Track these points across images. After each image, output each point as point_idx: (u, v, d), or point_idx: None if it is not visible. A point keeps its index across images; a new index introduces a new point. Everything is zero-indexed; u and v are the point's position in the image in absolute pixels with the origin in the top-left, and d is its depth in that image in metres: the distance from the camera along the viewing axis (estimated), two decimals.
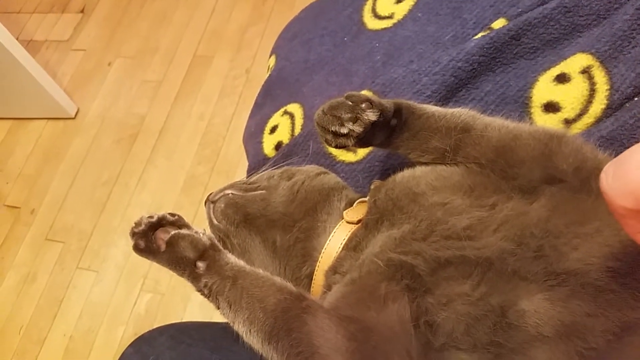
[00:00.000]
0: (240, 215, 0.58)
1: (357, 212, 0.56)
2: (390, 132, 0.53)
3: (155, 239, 0.53)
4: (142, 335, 0.67)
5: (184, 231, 0.53)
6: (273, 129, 0.78)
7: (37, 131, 2.15)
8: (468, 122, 0.51)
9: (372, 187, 0.57)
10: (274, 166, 0.74)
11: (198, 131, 1.95)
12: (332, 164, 0.69)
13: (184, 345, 0.61)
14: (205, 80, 2.07)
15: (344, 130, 0.50)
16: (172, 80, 2.11)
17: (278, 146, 0.76)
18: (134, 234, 0.54)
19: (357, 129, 0.49)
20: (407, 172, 0.54)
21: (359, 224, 0.55)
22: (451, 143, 0.50)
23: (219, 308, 0.52)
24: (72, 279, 1.77)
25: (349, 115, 0.50)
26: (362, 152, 0.68)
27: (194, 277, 0.52)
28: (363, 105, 0.50)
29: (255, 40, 2.08)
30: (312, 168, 0.63)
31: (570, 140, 0.47)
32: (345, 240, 0.55)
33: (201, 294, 0.52)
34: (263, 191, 0.60)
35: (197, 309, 1.58)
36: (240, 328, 0.50)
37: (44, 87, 1.97)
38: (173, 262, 0.52)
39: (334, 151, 0.69)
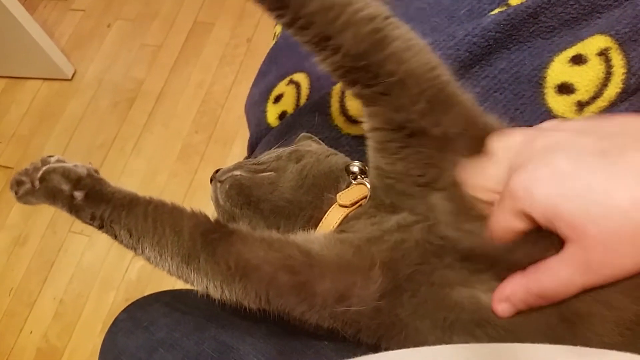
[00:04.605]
0: (244, 197, 0.57)
1: (351, 194, 0.55)
2: None
3: (31, 179, 0.53)
4: (136, 301, 0.66)
5: (55, 164, 0.53)
6: (277, 98, 0.76)
7: (33, 91, 2.12)
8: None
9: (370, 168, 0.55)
10: (277, 137, 0.73)
11: (196, 99, 1.93)
12: (337, 137, 0.68)
13: (179, 313, 0.60)
14: (205, 48, 2.04)
15: None
16: (171, 45, 2.08)
17: (282, 116, 0.74)
18: (16, 193, 0.54)
19: None
20: None
21: (353, 207, 0.54)
22: None
23: (116, 237, 0.52)
24: (64, 242, 1.77)
25: None
26: None
27: (75, 210, 0.51)
28: None
29: (258, 9, 2.05)
30: (321, 149, 0.62)
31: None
32: (337, 223, 0.53)
33: (93, 226, 0.52)
34: (271, 173, 0.58)
35: None
36: (146, 254, 0.50)
37: (41, 46, 1.94)
38: (50, 197, 0.52)
39: (339, 124, 0.68)
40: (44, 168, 0.53)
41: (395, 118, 0.47)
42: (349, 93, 0.52)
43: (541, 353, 0.34)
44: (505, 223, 0.41)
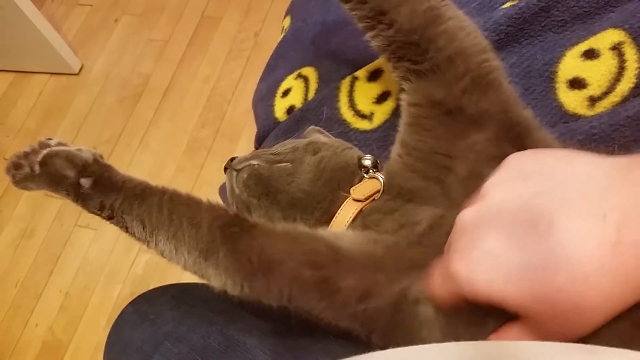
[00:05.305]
0: (262, 187, 0.55)
1: (364, 188, 0.54)
2: None
3: (30, 163, 0.50)
4: (143, 294, 0.65)
5: (57, 148, 0.50)
6: (285, 92, 0.76)
7: (40, 85, 2.12)
8: None
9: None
10: (286, 131, 0.73)
11: (203, 94, 1.92)
12: (345, 132, 0.67)
13: (186, 306, 0.60)
14: (212, 42, 2.03)
15: None
16: (178, 40, 2.08)
17: (290, 110, 0.74)
18: (13, 177, 0.50)
19: None
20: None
21: (367, 201, 0.54)
22: None
23: (127, 229, 0.49)
24: (70, 236, 1.77)
25: None
26: (377, 121, 0.66)
27: (82, 198, 0.49)
28: None
29: (265, 3, 2.04)
30: (337, 143, 0.61)
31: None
32: (351, 218, 0.53)
33: (99, 216, 0.49)
34: (288, 164, 0.57)
35: None
36: (160, 247, 0.48)
37: (48, 41, 1.94)
38: (52, 183, 0.49)
39: (348, 118, 0.67)
40: (44, 151, 0.50)
41: (436, 95, 0.48)
42: (396, 73, 0.52)
43: (550, 351, 0.33)
44: (449, 300, 0.40)
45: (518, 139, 0.47)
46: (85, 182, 0.48)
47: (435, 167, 0.48)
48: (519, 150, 0.46)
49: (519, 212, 0.36)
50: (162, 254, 0.49)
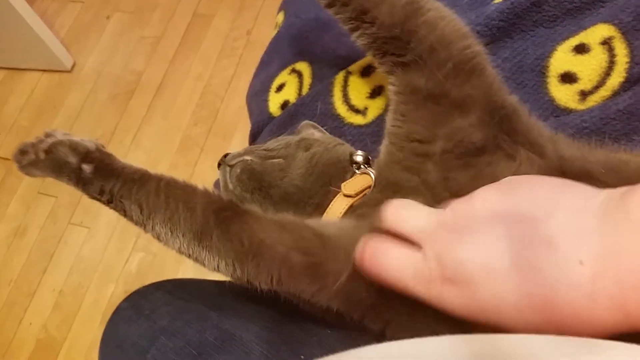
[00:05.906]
0: (255, 182, 0.57)
1: (355, 184, 0.55)
2: None
3: (35, 150, 0.52)
4: (138, 289, 0.66)
5: (62, 137, 0.53)
6: (279, 87, 0.76)
7: (32, 83, 2.11)
8: None
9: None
10: (280, 126, 0.73)
11: (195, 91, 1.92)
12: (339, 126, 0.68)
13: (181, 301, 0.60)
14: (205, 40, 2.03)
15: None
16: (171, 37, 2.08)
17: (284, 105, 0.74)
18: (19, 162, 0.53)
19: None
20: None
21: (358, 197, 0.54)
22: None
23: (125, 213, 0.51)
24: (64, 234, 1.76)
25: None
26: (371, 115, 0.66)
27: (83, 183, 0.51)
28: None
29: (257, 1, 2.04)
30: (329, 139, 0.62)
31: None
32: (342, 213, 0.53)
33: (99, 201, 0.52)
34: (281, 160, 0.58)
35: (190, 270, 1.57)
36: (157, 230, 0.50)
37: (40, 37, 1.93)
38: (56, 169, 0.51)
39: (342, 113, 0.68)
40: (49, 140, 0.52)
41: (418, 82, 0.49)
42: (382, 69, 0.53)
43: (545, 344, 0.33)
44: None
45: (506, 123, 0.47)
46: (87, 167, 0.51)
47: (412, 155, 0.49)
48: (508, 135, 0.47)
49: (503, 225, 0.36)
50: (158, 237, 0.51)
